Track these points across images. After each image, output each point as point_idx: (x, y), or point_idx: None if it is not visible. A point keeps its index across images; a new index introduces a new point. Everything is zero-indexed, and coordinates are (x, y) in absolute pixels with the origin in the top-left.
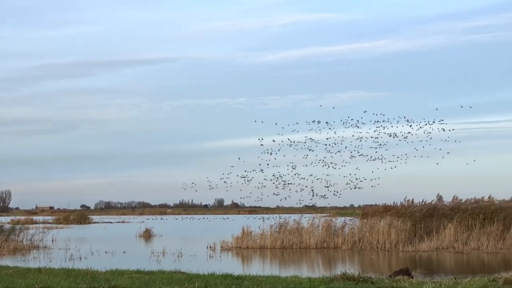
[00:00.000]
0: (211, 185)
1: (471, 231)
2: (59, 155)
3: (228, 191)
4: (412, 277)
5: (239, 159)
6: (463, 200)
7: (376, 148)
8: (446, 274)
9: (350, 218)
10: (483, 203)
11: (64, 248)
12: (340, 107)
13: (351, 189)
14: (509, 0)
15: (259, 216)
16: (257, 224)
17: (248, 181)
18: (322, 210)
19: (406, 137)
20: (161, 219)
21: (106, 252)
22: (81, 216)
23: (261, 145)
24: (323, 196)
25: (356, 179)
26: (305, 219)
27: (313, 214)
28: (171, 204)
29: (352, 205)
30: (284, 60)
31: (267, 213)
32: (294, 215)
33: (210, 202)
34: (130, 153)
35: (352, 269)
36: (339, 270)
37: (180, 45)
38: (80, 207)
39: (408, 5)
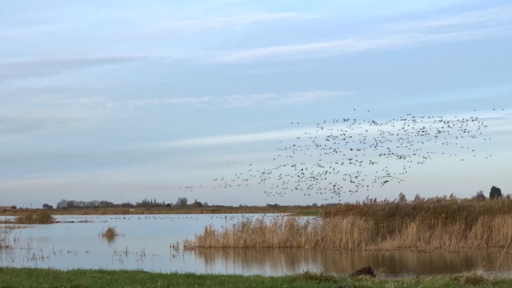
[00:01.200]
0: (225, 183)
1: (434, 230)
2: (22, 155)
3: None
4: (375, 276)
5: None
6: (425, 199)
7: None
8: (409, 273)
9: (313, 217)
10: (445, 202)
11: (26, 248)
12: (304, 106)
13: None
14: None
15: (222, 215)
16: (220, 223)
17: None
18: (285, 209)
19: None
20: (124, 218)
21: (68, 251)
22: (44, 215)
23: (280, 141)
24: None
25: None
26: (268, 218)
27: (276, 213)
28: (134, 204)
29: (315, 204)
30: (247, 59)
31: (230, 212)
32: (257, 214)
33: (173, 201)
34: (93, 153)
35: (315, 268)
36: (302, 269)
37: (144, 44)
38: (43, 206)
39: (371, 5)
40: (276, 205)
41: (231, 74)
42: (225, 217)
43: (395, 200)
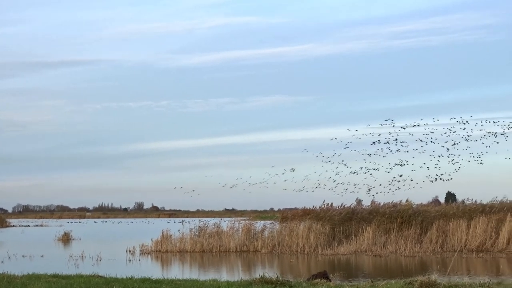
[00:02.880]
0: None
1: (389, 235)
2: None
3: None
4: (330, 280)
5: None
6: (381, 204)
7: None
8: (364, 278)
9: (270, 221)
10: (401, 207)
11: None
12: (263, 111)
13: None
14: (432, 6)
15: (179, 219)
16: (177, 228)
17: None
18: (242, 213)
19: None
20: (80, 222)
21: (23, 256)
22: None
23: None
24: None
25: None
26: (225, 223)
27: (233, 218)
28: (91, 208)
29: (272, 209)
30: (208, 63)
31: (187, 217)
32: (214, 218)
33: (130, 205)
34: (50, 156)
35: (271, 273)
36: (258, 273)
37: (104, 47)
38: None
39: (333, 10)
40: (233, 209)
41: (192, 78)
42: (182, 222)
43: (351, 204)
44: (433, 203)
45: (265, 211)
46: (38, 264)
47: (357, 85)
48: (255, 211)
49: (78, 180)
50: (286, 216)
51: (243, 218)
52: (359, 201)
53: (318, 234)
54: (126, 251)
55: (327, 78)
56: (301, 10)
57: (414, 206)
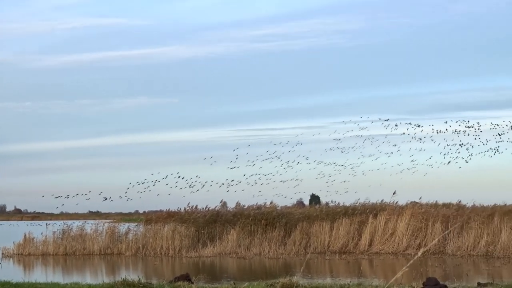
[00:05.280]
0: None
1: (254, 237)
2: None
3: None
4: (193, 283)
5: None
6: (246, 206)
7: None
8: (228, 280)
9: (135, 224)
10: (265, 209)
11: None
12: (126, 113)
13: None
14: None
15: (43, 222)
16: (40, 231)
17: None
18: (106, 216)
19: None
20: None
21: None
22: None
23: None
24: None
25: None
26: (89, 225)
27: (97, 220)
28: None
29: (137, 211)
30: (71, 64)
31: (51, 219)
32: (78, 221)
33: None
34: None
35: (135, 276)
36: (121, 276)
37: None
38: None
39: (196, 13)
40: (98, 212)
41: (55, 79)
42: (46, 224)
43: (216, 207)
44: (297, 205)
45: (130, 213)
46: None
47: (220, 88)
48: (120, 214)
49: None
50: (151, 218)
51: (108, 221)
52: (224, 203)
53: (182, 237)
54: None
55: (191, 80)
56: (164, 13)
57: (278, 208)
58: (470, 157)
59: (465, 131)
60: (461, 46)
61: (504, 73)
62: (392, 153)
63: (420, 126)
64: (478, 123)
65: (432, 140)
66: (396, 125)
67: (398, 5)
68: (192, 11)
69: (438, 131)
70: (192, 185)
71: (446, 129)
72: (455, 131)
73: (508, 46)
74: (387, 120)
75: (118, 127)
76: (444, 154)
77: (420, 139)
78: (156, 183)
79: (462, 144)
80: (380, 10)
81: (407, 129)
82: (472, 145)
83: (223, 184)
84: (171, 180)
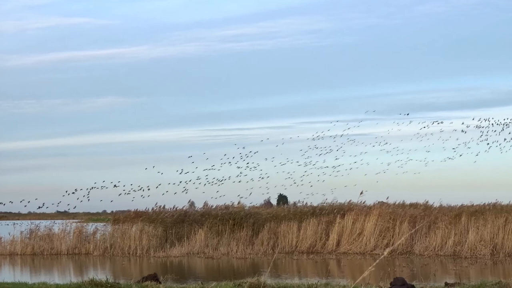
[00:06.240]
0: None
1: (221, 237)
2: None
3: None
4: (160, 283)
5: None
6: (214, 206)
7: None
8: (196, 280)
9: (103, 224)
10: (233, 209)
11: None
12: (97, 113)
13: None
14: (265, 10)
15: (10, 222)
16: (7, 231)
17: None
18: (74, 216)
19: None
20: None
21: None
22: None
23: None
24: None
25: None
26: (57, 225)
27: (65, 220)
28: None
29: (104, 211)
30: (40, 64)
31: (18, 219)
32: (46, 221)
33: None
34: None
35: (103, 276)
36: (89, 276)
37: None
38: None
39: (165, 13)
40: (65, 211)
41: (24, 78)
42: (13, 224)
43: (183, 207)
44: (265, 205)
45: (97, 213)
46: None
47: (189, 88)
48: (88, 213)
49: None
50: (119, 218)
51: (75, 221)
52: (191, 203)
53: (150, 237)
54: None
55: (159, 80)
56: (133, 12)
57: (246, 208)
58: (431, 159)
59: (431, 133)
60: (428, 46)
61: (466, 74)
62: (361, 153)
63: (387, 126)
64: (442, 122)
65: (400, 140)
66: (360, 125)
67: (366, 5)
68: (161, 11)
69: (411, 131)
70: (157, 186)
71: (423, 129)
72: (419, 133)
73: (473, 47)
74: (357, 120)
75: (88, 127)
76: (409, 155)
77: (388, 140)
78: (117, 185)
79: (426, 145)
80: (348, 11)
81: (377, 130)
82: (435, 145)
83: (186, 182)
84: (136, 180)
